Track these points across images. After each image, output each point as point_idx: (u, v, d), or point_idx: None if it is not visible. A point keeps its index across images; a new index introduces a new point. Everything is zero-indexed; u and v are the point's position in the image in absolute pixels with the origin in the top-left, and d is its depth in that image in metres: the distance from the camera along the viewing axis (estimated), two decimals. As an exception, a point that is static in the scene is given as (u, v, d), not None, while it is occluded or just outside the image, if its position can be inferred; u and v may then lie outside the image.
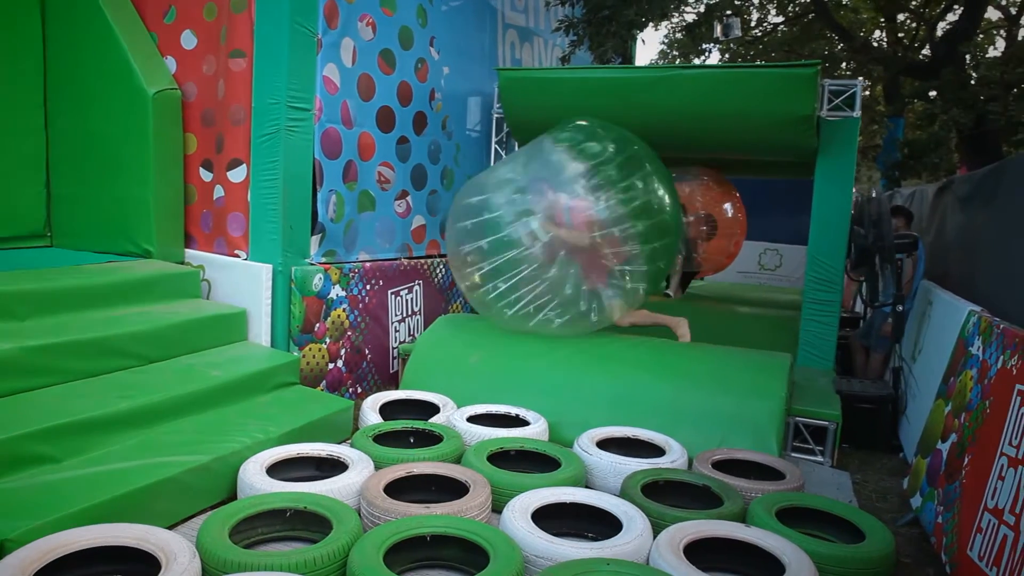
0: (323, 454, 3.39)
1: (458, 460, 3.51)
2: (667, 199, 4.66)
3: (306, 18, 4.44)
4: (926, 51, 13.34)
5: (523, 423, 4.03)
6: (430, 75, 5.74)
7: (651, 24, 7.53)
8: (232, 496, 3.20)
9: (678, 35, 15.31)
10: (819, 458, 4.32)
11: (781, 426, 4.02)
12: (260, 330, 4.42)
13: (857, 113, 5.29)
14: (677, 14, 12.89)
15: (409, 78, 5.49)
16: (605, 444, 3.83)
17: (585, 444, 3.74)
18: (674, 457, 3.66)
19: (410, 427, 3.80)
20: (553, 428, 4.10)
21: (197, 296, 4.54)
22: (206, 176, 4.75)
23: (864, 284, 5.69)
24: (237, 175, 4.55)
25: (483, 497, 2.99)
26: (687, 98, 5.18)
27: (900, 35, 14.42)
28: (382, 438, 3.67)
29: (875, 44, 14.48)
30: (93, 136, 4.80)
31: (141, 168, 4.58)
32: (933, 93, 9.86)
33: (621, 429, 3.98)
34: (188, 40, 4.78)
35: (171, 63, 4.83)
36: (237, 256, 4.59)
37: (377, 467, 3.28)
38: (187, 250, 4.83)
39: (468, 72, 6.24)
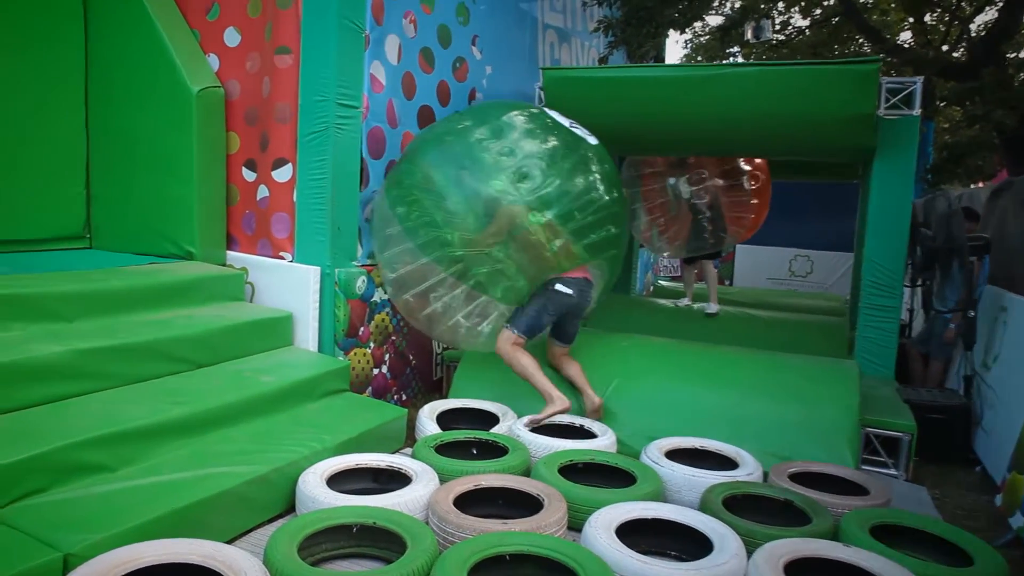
0: (383, 465, 3.22)
1: (526, 473, 3.33)
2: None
3: (354, 13, 4.30)
4: (959, 52, 13.13)
5: (590, 435, 3.85)
6: (470, 74, 5.60)
7: (692, 24, 7.36)
8: (290, 509, 3.03)
9: (702, 39, 15.15)
10: (892, 471, 4.10)
11: (856, 437, 3.82)
12: (307, 335, 4.26)
13: (917, 111, 5.09)
14: (707, 16, 12.72)
15: (447, 77, 5.35)
16: (674, 455, 3.64)
17: (654, 455, 3.55)
18: (749, 470, 3.46)
19: (472, 437, 3.62)
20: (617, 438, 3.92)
21: (241, 299, 4.40)
22: (249, 176, 4.61)
23: (920, 288, 5.50)
24: (283, 175, 4.40)
25: (560, 513, 2.81)
26: (740, 96, 4.99)
27: (928, 36, 14.19)
28: (443, 449, 3.49)
29: (904, 46, 14.25)
30: (134, 135, 4.67)
31: (183, 168, 4.45)
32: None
33: (689, 440, 3.79)
34: (231, 37, 4.65)
35: (214, 61, 4.70)
36: (282, 258, 4.44)
37: (441, 479, 3.11)
38: (228, 252, 4.69)
39: (510, 72, 6.10)
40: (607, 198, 4.04)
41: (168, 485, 2.68)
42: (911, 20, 14.69)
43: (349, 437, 3.47)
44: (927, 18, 14.18)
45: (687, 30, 14.23)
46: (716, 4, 7.90)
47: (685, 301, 7.19)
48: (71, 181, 4.82)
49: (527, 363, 3.93)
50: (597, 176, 4.06)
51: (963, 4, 12.38)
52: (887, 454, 4.16)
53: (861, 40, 14.48)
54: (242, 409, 3.33)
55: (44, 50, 4.60)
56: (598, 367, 4.33)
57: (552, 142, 4.01)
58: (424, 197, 3.88)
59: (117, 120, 4.75)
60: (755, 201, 7.34)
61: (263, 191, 4.50)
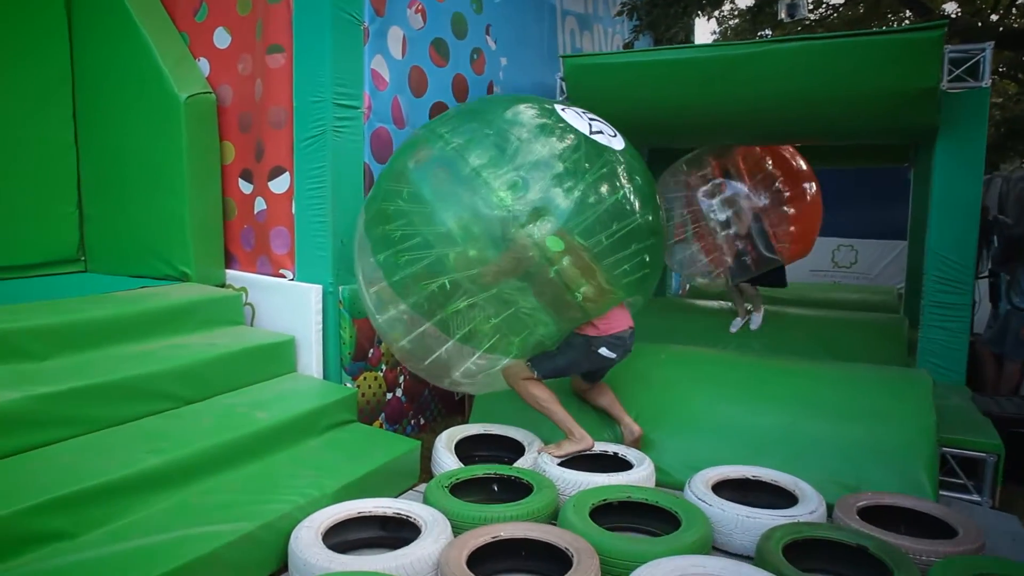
0: (389, 512, 2.82)
1: (553, 516, 2.90)
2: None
3: (350, 4, 3.91)
4: (1010, 19, 12.30)
5: (625, 464, 3.40)
6: (487, 67, 5.18)
7: (724, 2, 6.84)
8: (284, 567, 2.65)
9: (732, 23, 14.48)
10: (975, 496, 3.58)
11: (934, 461, 3.31)
12: (310, 360, 3.89)
13: (986, 83, 4.53)
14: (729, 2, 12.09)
15: (465, 70, 4.93)
16: (723, 489, 3.19)
17: (699, 489, 3.10)
18: (811, 506, 2.98)
19: (492, 473, 3.21)
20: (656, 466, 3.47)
21: (239, 323, 4.04)
22: (246, 188, 4.26)
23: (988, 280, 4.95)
24: (279, 185, 4.04)
25: (592, 572, 2.38)
26: (783, 76, 4.46)
27: (979, 4, 13.34)
28: (460, 488, 3.09)
29: (951, 17, 13.45)
30: (124, 149, 4.36)
31: (175, 182, 4.12)
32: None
33: (739, 469, 3.32)
34: (221, 38, 4.30)
35: (204, 65, 4.36)
36: (282, 276, 4.08)
37: (455, 529, 2.70)
38: (228, 271, 4.35)
39: (527, 63, 5.66)
40: (642, 219, 3.22)
41: (136, 553, 2.32)
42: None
43: (354, 478, 3.08)
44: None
45: (716, 13, 13.62)
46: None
47: (738, 323, 5.99)
48: (62, 201, 4.53)
49: (542, 397, 3.40)
50: (628, 190, 3.20)
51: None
52: (967, 476, 3.64)
53: (902, 15, 13.70)
54: (232, 452, 2.96)
55: (28, 65, 4.32)
56: (631, 384, 3.88)
57: (568, 145, 3.16)
58: (414, 219, 3.09)
59: (107, 134, 4.44)
60: (795, 211, 6.01)
61: (260, 204, 4.15)
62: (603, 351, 3.32)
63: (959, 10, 14.08)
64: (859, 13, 14.47)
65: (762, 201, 5.79)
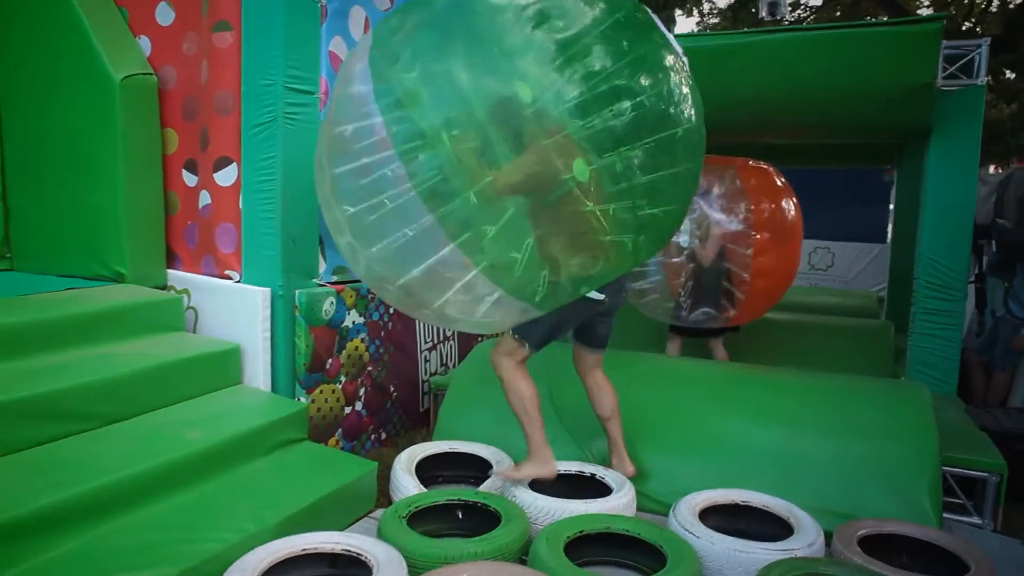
0: (338, 549, 2.47)
1: (524, 550, 2.58)
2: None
3: (305, -21, 3.55)
4: (983, 26, 12.29)
5: (603, 488, 3.09)
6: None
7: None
8: (212, 619, 2.30)
9: (712, 21, 14.30)
10: (975, 519, 3.34)
11: (937, 483, 3.05)
12: (257, 370, 3.52)
13: (982, 81, 4.32)
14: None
15: (432, 57, 4.58)
16: (710, 515, 2.89)
17: (685, 517, 2.80)
18: (809, 538, 2.68)
19: (456, 499, 2.87)
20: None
21: (180, 329, 3.66)
22: (190, 180, 3.88)
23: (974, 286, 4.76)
24: (226, 177, 3.66)
25: (568, 625, 2.06)
26: (769, 69, 4.19)
27: (951, 10, 13.33)
28: (420, 516, 2.75)
29: (926, 22, 13.40)
30: (54, 135, 3.94)
31: (109, 172, 3.72)
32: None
33: (728, 493, 3.03)
34: (164, 14, 3.91)
35: (145, 44, 3.96)
36: (228, 278, 3.70)
37: (412, 569, 2.36)
38: (170, 271, 3.95)
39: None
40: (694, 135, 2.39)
41: (28, 609, 1.95)
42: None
43: (300, 508, 2.73)
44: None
45: (694, 11, 13.45)
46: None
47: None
48: (-16, 192, 4.10)
49: (526, 396, 2.93)
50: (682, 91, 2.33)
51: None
52: (966, 496, 3.40)
53: (880, 18, 13.64)
54: (156, 481, 2.59)
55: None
56: (626, 392, 3.57)
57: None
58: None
59: (34, 118, 4.02)
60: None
61: (205, 197, 3.76)
62: (591, 292, 2.66)
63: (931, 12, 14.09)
64: (835, 16, 14.40)
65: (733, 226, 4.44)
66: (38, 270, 4.14)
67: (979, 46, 4.28)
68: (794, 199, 4.72)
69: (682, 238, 4.49)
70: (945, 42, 4.25)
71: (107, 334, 3.28)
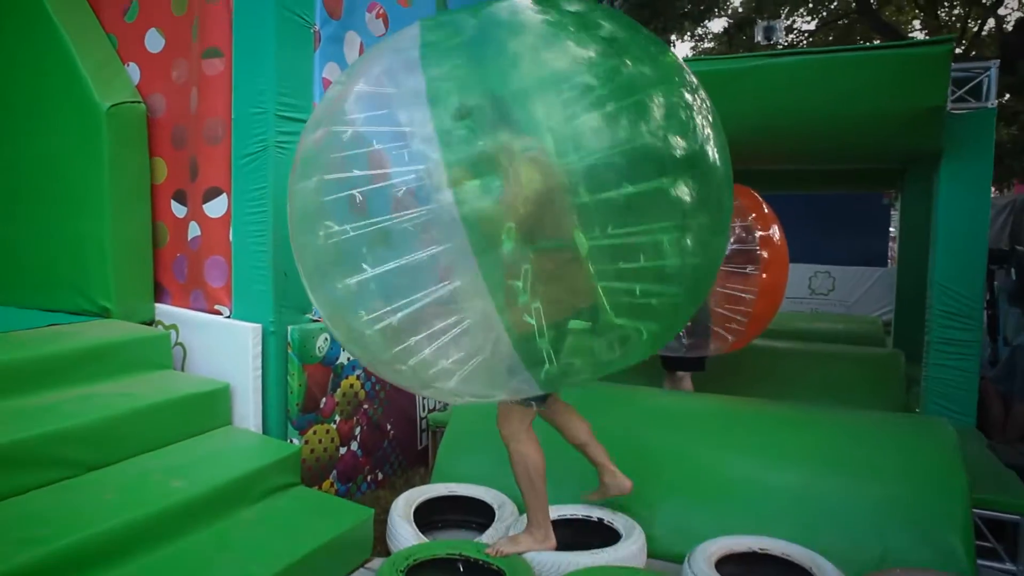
0: (331, 610, 2.30)
1: (531, 613, 2.40)
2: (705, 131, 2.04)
3: (299, 5, 3.44)
4: (975, 50, 12.34)
5: (612, 534, 2.91)
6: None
7: (706, 17, 6.52)
8: None
9: (707, 45, 14.34)
10: (1009, 565, 3.17)
11: (968, 527, 2.88)
12: (248, 411, 3.35)
13: (992, 103, 4.23)
14: (710, 20, 11.91)
15: (430, 84, 4.47)
16: (727, 564, 2.72)
17: (701, 567, 2.62)
18: (837, 590, 2.52)
19: (457, 554, 2.69)
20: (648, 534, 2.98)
21: (167, 367, 3.49)
22: (179, 211, 3.73)
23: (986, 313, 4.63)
24: (216, 208, 3.52)
25: None
26: (780, 93, 4.09)
27: (943, 33, 13.42)
28: (419, 570, 2.57)
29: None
30: (39, 165, 3.81)
31: (94, 203, 3.58)
32: None
33: (744, 540, 2.85)
34: (154, 41, 3.79)
35: (134, 71, 3.84)
36: (218, 313, 3.54)
37: (412, 633, 2.18)
38: (158, 305, 3.80)
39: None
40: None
41: None
42: (922, 17, 13.94)
43: (292, 561, 2.54)
44: (941, 14, 13.43)
45: (687, 37, 13.48)
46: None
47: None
48: (-36, 224, 3.95)
49: (535, 468, 2.69)
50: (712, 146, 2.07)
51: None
52: (995, 538, 3.23)
53: (874, 40, 13.71)
54: (139, 534, 2.41)
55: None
56: (617, 434, 3.39)
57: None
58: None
59: (18, 146, 3.89)
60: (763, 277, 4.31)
61: (194, 229, 3.62)
62: None
63: (926, 35, 14.18)
64: (828, 40, 14.47)
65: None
66: (22, 304, 3.97)
67: (988, 69, 4.19)
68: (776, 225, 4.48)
69: None
70: (952, 65, 4.16)
71: (90, 373, 3.12)
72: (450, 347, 1.96)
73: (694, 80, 2.15)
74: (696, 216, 1.97)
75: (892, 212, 12.31)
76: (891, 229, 12.56)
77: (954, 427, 3.40)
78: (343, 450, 3.69)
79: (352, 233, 1.90)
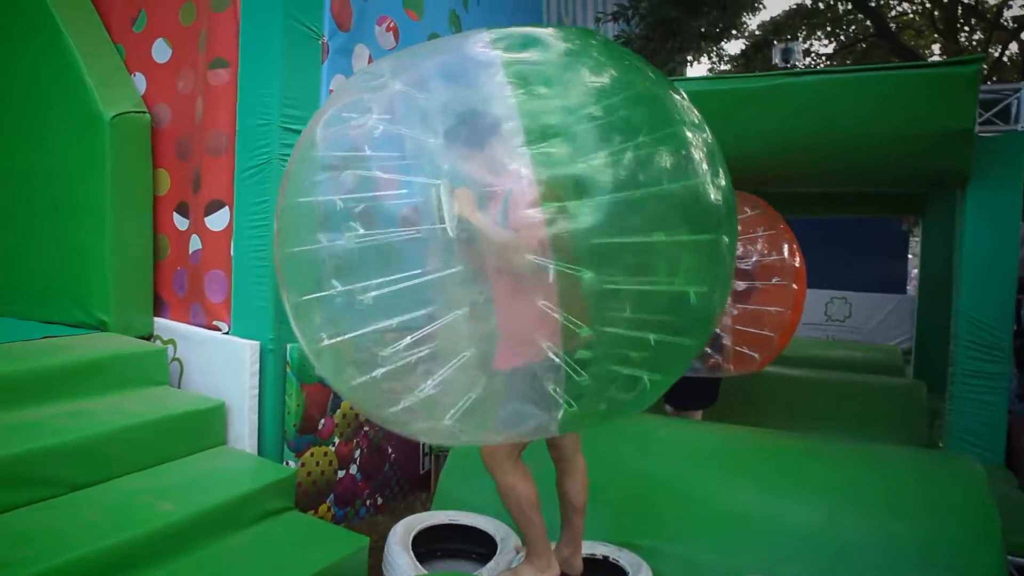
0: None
1: (531, 658, 2.25)
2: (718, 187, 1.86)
3: (307, 15, 3.37)
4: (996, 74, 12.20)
5: (617, 572, 2.76)
6: (466, 97, 4.65)
7: (725, 36, 6.43)
8: None
9: (723, 67, 14.28)
10: (1041, 613, 2.98)
11: (1003, 575, 2.70)
12: (243, 430, 3.24)
13: (1022, 126, 4.09)
14: (727, 42, 11.83)
15: (441, 99, 4.39)
16: (741, 607, 2.56)
17: (714, 611, 2.46)
18: (861, 640, 2.35)
19: (454, 591, 2.55)
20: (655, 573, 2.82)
21: (163, 383, 3.39)
22: (181, 224, 3.66)
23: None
24: (217, 222, 3.44)
25: None
26: (794, 114, 3.96)
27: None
28: (412, 607, 2.43)
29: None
30: (42, 174, 3.75)
31: (95, 213, 3.51)
32: None
33: (762, 582, 2.69)
34: (161, 51, 3.74)
35: (140, 81, 3.79)
36: (217, 329, 3.44)
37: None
38: (157, 319, 3.71)
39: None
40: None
41: None
42: (941, 41, 13.82)
43: (280, 593, 2.41)
44: (961, 38, 13.30)
45: (704, 58, 13.42)
46: (752, 8, 6.94)
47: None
48: (-34, 231, 3.90)
49: (527, 499, 2.47)
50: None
51: (1005, 20, 11.48)
52: (1027, 585, 3.04)
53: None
54: (122, 559, 2.29)
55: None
56: (622, 465, 3.25)
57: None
58: None
59: (24, 155, 3.83)
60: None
61: (195, 242, 3.53)
62: None
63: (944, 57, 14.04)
64: (846, 64, 14.37)
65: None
66: (22, 315, 3.90)
67: (1017, 90, 4.06)
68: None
69: None
70: (981, 87, 4.03)
71: (81, 389, 3.02)
72: (449, 380, 1.83)
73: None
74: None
75: (911, 238, 12.12)
76: (910, 256, 12.35)
77: (982, 465, 3.23)
78: (342, 473, 3.56)
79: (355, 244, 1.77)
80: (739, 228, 3.95)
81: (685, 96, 1.98)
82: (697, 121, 1.93)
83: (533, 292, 1.70)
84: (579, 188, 1.69)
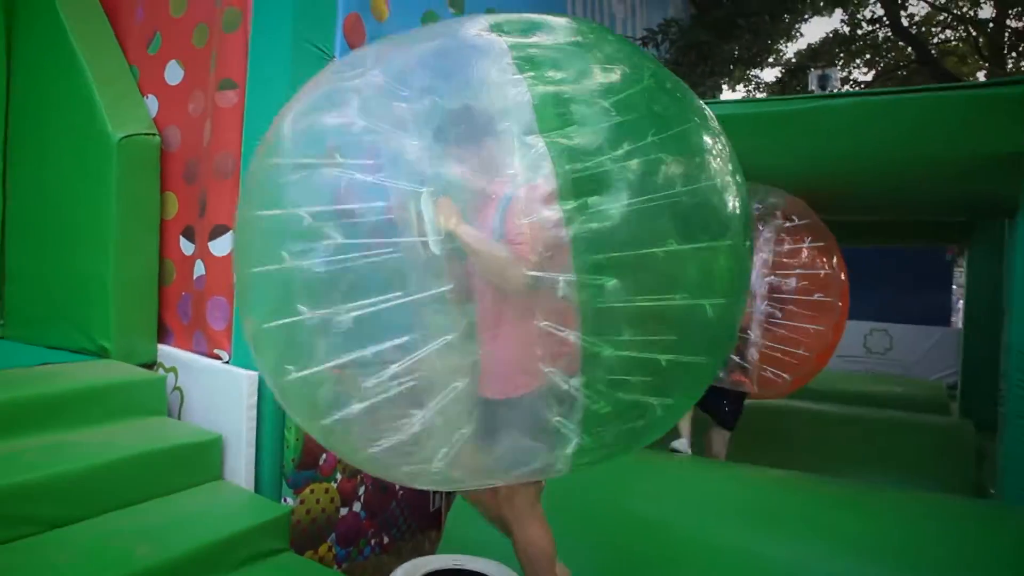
0: None
1: None
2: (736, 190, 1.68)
3: (318, 35, 3.28)
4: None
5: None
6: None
7: (756, 62, 6.24)
8: None
9: (759, 95, 14.04)
10: None
11: (1063, 648, 2.41)
12: (239, 465, 3.08)
13: (1074, 150, 3.80)
14: (762, 69, 11.62)
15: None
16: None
17: None
18: None
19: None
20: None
21: (161, 413, 3.27)
22: (187, 248, 3.56)
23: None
24: (221, 247, 3.32)
25: None
26: (834, 138, 3.74)
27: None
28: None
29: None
30: (52, 195, 3.70)
31: (100, 236, 3.43)
32: None
33: (791, 648, 2.43)
34: (173, 73, 3.68)
35: (152, 103, 3.73)
36: (217, 357, 3.32)
37: None
38: (161, 346, 3.60)
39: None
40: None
41: None
42: (987, 68, 13.41)
43: (262, 647, 2.23)
44: (1008, 65, 12.88)
45: (740, 86, 13.23)
46: (787, 34, 6.73)
47: (683, 444, 3.80)
48: (-22, 255, 3.86)
49: (543, 554, 2.25)
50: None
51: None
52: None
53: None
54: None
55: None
56: (633, 512, 3.00)
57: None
58: None
59: (36, 176, 3.79)
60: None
61: (200, 268, 3.43)
62: None
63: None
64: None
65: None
66: (29, 340, 3.84)
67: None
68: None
69: None
70: None
71: (74, 419, 2.91)
72: (437, 415, 1.64)
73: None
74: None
75: (955, 269, 11.65)
76: (954, 287, 11.87)
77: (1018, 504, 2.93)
78: (344, 511, 3.38)
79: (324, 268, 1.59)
80: (785, 237, 3.77)
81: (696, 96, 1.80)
82: (711, 120, 1.74)
83: (533, 311, 1.52)
84: (600, 186, 1.51)
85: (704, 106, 1.78)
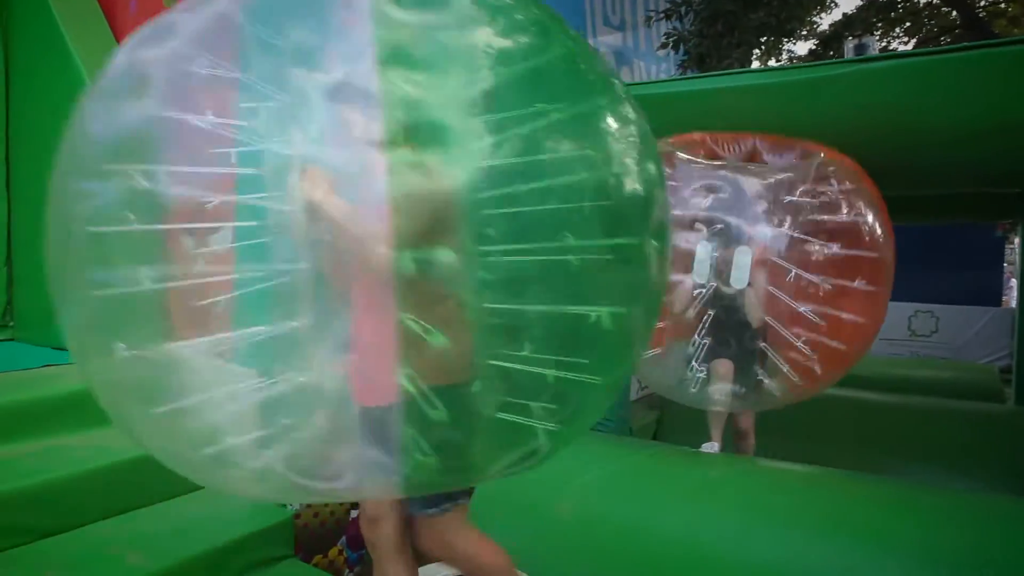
0: None
1: None
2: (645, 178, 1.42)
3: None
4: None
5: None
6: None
7: (785, 30, 5.92)
8: None
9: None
10: None
11: None
12: (242, 467, 2.96)
13: None
14: (794, 42, 11.19)
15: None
16: None
17: None
18: None
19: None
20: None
21: (163, 414, 3.16)
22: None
23: None
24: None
25: None
26: (870, 103, 3.45)
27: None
28: None
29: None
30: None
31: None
32: None
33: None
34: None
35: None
36: (220, 355, 3.20)
37: None
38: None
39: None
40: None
41: None
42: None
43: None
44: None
45: (772, 60, 12.76)
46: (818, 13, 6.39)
47: (713, 447, 3.49)
48: (-14, 257, 3.82)
49: (492, 559, 2.08)
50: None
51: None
52: None
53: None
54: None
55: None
56: (653, 518, 2.80)
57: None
58: None
59: (42, 181, 3.71)
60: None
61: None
62: None
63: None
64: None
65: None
66: (38, 341, 3.79)
67: None
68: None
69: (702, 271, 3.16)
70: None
71: (70, 422, 2.82)
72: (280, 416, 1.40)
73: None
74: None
75: (1007, 246, 11.12)
76: (1005, 265, 11.34)
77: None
78: (355, 513, 3.24)
79: None
80: (825, 203, 3.27)
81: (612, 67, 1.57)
82: (627, 105, 1.49)
83: (389, 299, 1.29)
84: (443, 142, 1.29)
85: (625, 90, 1.53)
